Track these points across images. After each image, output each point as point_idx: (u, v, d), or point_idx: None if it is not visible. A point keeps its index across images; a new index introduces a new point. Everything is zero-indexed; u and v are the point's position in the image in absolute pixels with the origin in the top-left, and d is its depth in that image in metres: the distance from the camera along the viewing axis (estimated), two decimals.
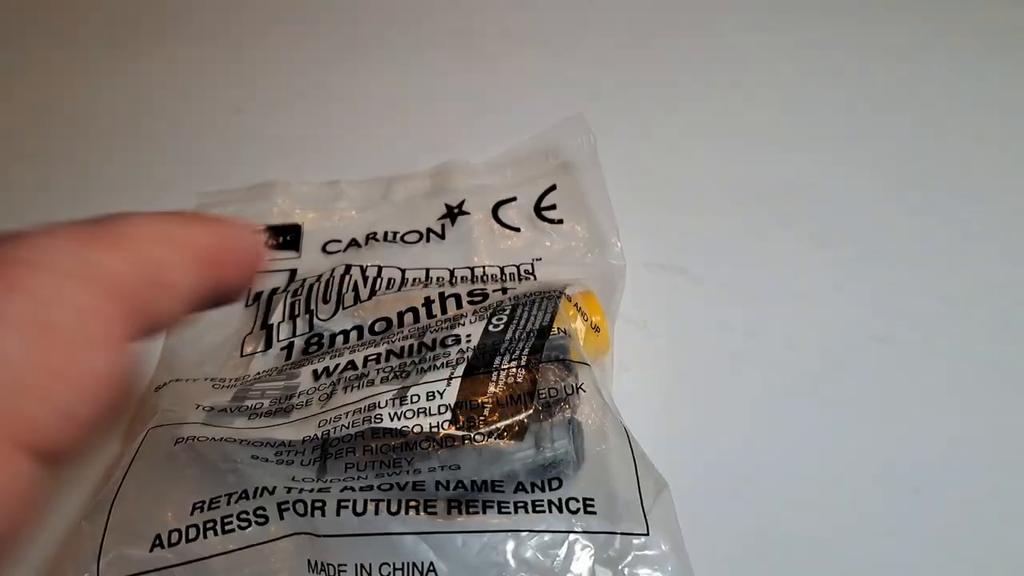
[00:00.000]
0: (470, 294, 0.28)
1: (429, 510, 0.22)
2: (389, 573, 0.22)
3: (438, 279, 0.30)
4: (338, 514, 0.22)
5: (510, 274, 0.31)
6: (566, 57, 0.44)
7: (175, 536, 0.22)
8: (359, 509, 0.22)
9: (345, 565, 0.22)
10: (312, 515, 0.22)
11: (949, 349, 0.31)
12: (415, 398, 0.23)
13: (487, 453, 0.22)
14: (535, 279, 0.31)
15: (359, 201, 0.35)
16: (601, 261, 0.32)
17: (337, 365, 0.26)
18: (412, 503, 0.23)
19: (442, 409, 0.22)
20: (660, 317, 0.32)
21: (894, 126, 0.40)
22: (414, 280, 0.31)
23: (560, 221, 0.33)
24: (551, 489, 0.23)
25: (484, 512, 0.23)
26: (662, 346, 0.31)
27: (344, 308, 0.29)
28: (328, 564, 0.22)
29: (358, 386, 0.24)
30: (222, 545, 0.22)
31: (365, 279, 0.30)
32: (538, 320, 0.25)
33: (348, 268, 0.31)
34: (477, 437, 0.22)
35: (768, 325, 0.32)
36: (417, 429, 0.22)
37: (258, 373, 0.28)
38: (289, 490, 0.23)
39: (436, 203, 0.34)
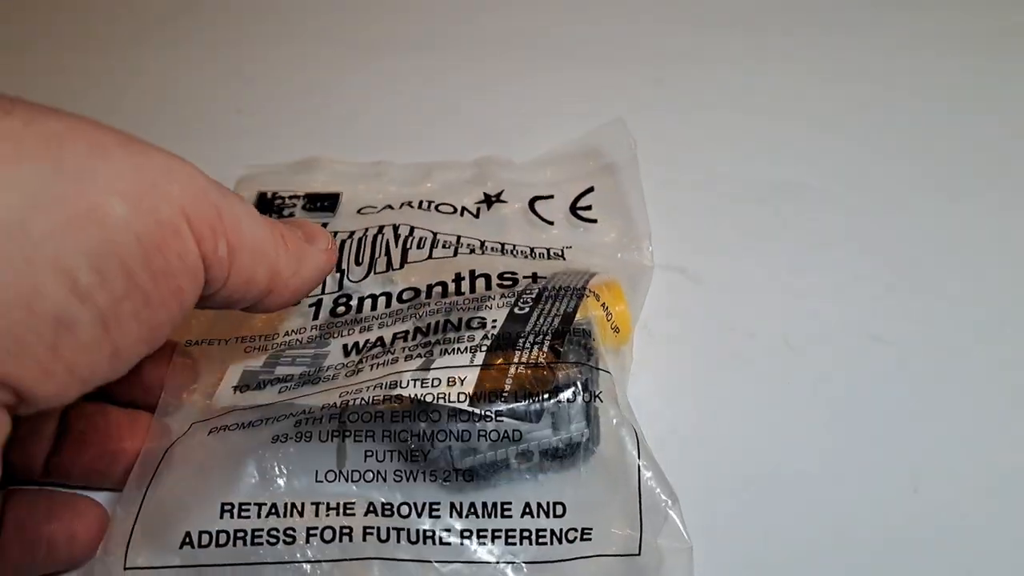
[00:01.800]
0: (500, 276, 0.29)
1: (443, 541, 0.23)
2: None
3: (468, 245, 0.31)
4: (364, 539, 0.23)
5: (540, 254, 0.31)
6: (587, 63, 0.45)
7: (205, 538, 0.23)
8: (383, 537, 0.23)
9: None
10: (340, 540, 0.23)
11: (949, 349, 0.31)
12: (436, 381, 0.23)
13: (504, 432, 0.23)
14: (564, 260, 0.31)
15: (399, 180, 0.36)
16: (630, 259, 0.32)
17: (367, 341, 0.27)
18: (428, 533, 0.23)
19: (461, 397, 0.23)
20: (659, 316, 0.32)
21: (895, 126, 0.40)
22: (444, 243, 0.31)
23: (595, 221, 0.34)
24: (555, 516, 0.24)
25: (492, 542, 0.23)
26: (661, 346, 0.31)
27: (376, 273, 0.30)
28: None
29: (383, 364, 0.25)
30: (247, 556, 0.23)
31: (397, 237, 0.31)
32: (563, 307, 0.26)
33: (381, 228, 0.32)
34: (496, 415, 0.23)
35: (768, 325, 0.32)
36: (439, 402, 0.23)
37: (287, 332, 0.28)
38: (316, 510, 0.23)
39: (475, 190, 0.35)
